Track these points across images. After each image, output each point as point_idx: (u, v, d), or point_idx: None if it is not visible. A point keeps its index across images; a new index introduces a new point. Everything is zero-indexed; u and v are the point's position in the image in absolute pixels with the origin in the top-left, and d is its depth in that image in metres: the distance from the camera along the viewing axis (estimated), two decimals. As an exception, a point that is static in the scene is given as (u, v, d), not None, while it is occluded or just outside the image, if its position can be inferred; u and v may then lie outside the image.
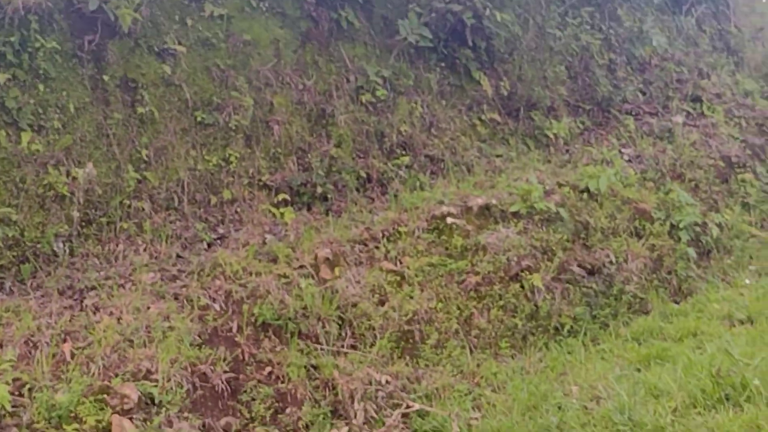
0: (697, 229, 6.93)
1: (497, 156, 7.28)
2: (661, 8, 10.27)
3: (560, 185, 6.50)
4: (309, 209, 6.37)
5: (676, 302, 6.19)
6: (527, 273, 5.60)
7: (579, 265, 5.91)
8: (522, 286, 5.55)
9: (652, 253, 6.42)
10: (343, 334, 5.01)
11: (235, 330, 4.78)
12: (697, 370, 3.91)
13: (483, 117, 7.65)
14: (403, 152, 6.97)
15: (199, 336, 4.63)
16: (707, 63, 10.09)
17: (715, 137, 8.38)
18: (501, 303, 5.45)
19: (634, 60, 9.21)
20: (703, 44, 10.43)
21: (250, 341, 4.77)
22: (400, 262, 5.51)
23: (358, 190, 6.59)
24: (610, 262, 6.06)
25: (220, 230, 6.04)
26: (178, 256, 5.57)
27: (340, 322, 5.04)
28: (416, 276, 5.38)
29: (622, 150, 7.76)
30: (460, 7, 7.33)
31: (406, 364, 4.87)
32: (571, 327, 5.56)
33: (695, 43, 10.34)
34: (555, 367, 4.97)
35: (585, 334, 5.50)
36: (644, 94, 8.97)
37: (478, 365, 5.02)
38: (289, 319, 4.88)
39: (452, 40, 7.62)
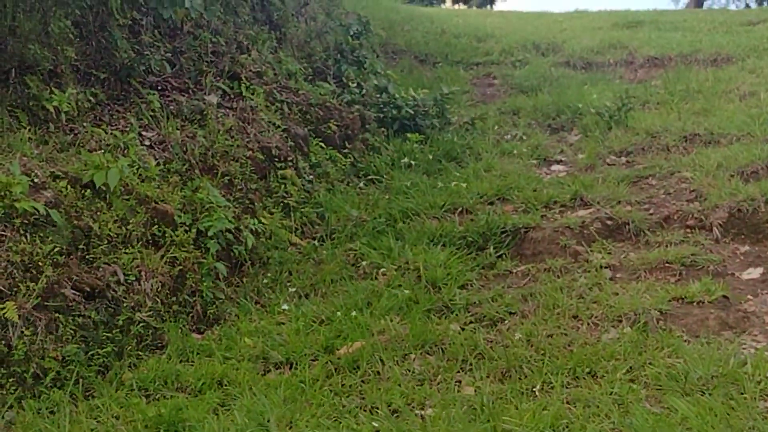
0: (230, 236, 6.47)
1: (-28, 133, 5.99)
2: (200, -35, 9.76)
3: (55, 178, 5.51)
4: None
5: (201, 332, 5.61)
6: (-2, 301, 4.52)
7: (75, 287, 5.00)
8: (-11, 321, 4.46)
9: (173, 269, 5.77)
10: None
11: None
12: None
13: (-48, 77, 6.28)
14: None
15: None
16: (248, 36, 9.86)
17: (254, 124, 8.09)
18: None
19: (164, 23, 8.51)
20: (243, 14, 10.20)
21: None
22: None
23: None
24: (118, 282, 5.26)
25: None
26: None
27: None
28: None
29: (143, 133, 7.02)
30: None
31: None
32: (58, 373, 4.63)
33: (235, 11, 10.05)
34: (29, 438, 4.01)
35: (77, 382, 4.61)
36: (174, 65, 8.31)
37: None
38: None
39: None
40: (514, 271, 6.58)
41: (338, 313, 5.76)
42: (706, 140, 8.86)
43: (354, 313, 5.73)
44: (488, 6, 46.32)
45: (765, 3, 45.66)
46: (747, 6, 45.49)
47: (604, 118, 10.16)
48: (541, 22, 21.83)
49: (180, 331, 5.43)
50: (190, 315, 5.75)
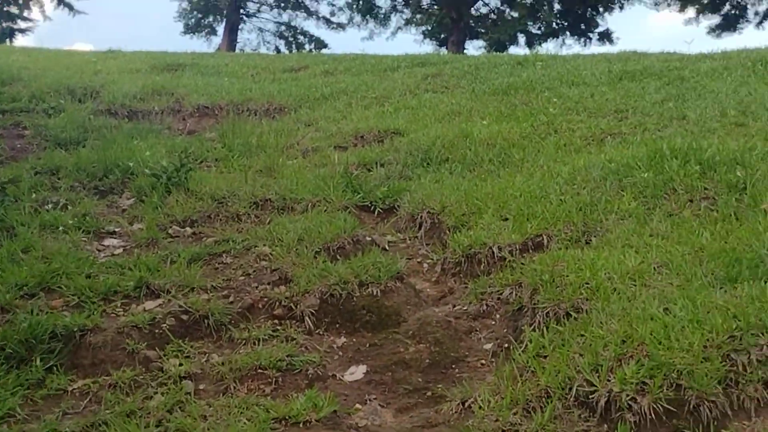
0: None
1: None
2: None
3: None
4: None
5: None
6: None
7: None
8: None
9: None
10: None
11: None
12: None
13: None
14: None
15: None
16: None
17: None
18: None
19: None
20: None
21: None
22: None
23: None
24: None
25: None
26: None
27: None
28: None
29: None
30: None
31: None
32: None
33: None
34: None
35: None
36: None
37: None
38: None
39: None
40: (70, 389, 5.32)
41: None
42: (280, 206, 8.35)
43: None
44: (8, 41, 43.19)
45: (294, 47, 48.52)
46: (277, 50, 47.98)
47: (162, 179, 9.23)
48: (73, 62, 20.42)
49: None
50: None
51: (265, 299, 6.23)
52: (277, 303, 6.18)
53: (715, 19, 39.07)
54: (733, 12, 38.90)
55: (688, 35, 58.50)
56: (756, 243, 5.79)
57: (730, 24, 38.94)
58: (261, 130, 12.10)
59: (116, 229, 8.38)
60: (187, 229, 8.11)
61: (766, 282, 5.16)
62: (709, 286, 5.29)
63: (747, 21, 38.91)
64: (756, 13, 38.77)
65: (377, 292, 6.27)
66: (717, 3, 38.45)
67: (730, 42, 49.27)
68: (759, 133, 9.07)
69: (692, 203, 6.98)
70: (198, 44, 49.15)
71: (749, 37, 48.54)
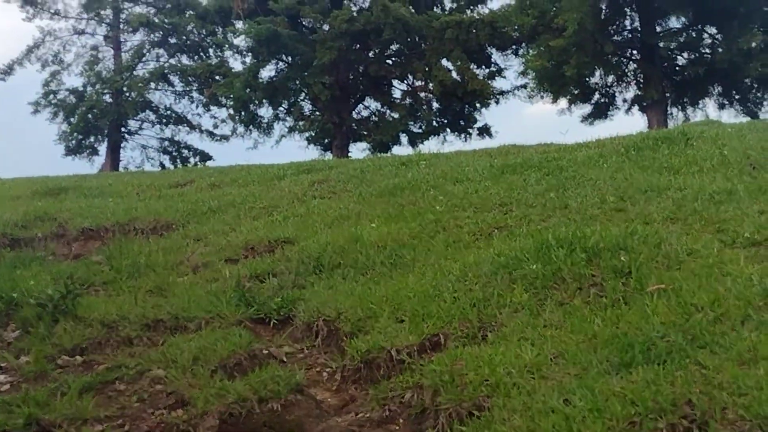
0: None
1: None
2: None
3: None
4: None
5: None
6: None
7: None
8: None
9: None
10: None
11: None
12: None
13: None
14: None
15: None
16: None
17: None
18: None
19: None
20: None
21: None
22: None
23: None
24: None
25: None
26: None
27: None
28: None
29: None
30: None
31: None
32: None
33: None
34: None
35: None
36: None
37: None
38: None
39: None
40: None
41: None
42: (172, 327, 8.17)
43: None
44: None
45: (179, 162, 48.39)
46: (162, 165, 47.73)
47: (48, 308, 8.94)
48: (-52, 194, 19.84)
49: None
50: None
51: (162, 425, 6.05)
52: (175, 428, 5.99)
53: (586, 108, 40.95)
54: (603, 100, 40.81)
55: (563, 124, 61.01)
56: (646, 326, 5.99)
57: (601, 112, 40.83)
58: (149, 249, 11.93)
59: (2, 365, 8.05)
60: (77, 357, 7.83)
61: (659, 365, 5.33)
62: (605, 373, 5.43)
63: (616, 108, 40.95)
64: (624, 100, 40.86)
65: (278, 407, 6.17)
66: (587, 93, 40.28)
67: (603, 128, 51.51)
68: (638, 217, 9.45)
69: (581, 291, 7.19)
70: (80, 165, 48.48)
71: (620, 123, 50.75)
